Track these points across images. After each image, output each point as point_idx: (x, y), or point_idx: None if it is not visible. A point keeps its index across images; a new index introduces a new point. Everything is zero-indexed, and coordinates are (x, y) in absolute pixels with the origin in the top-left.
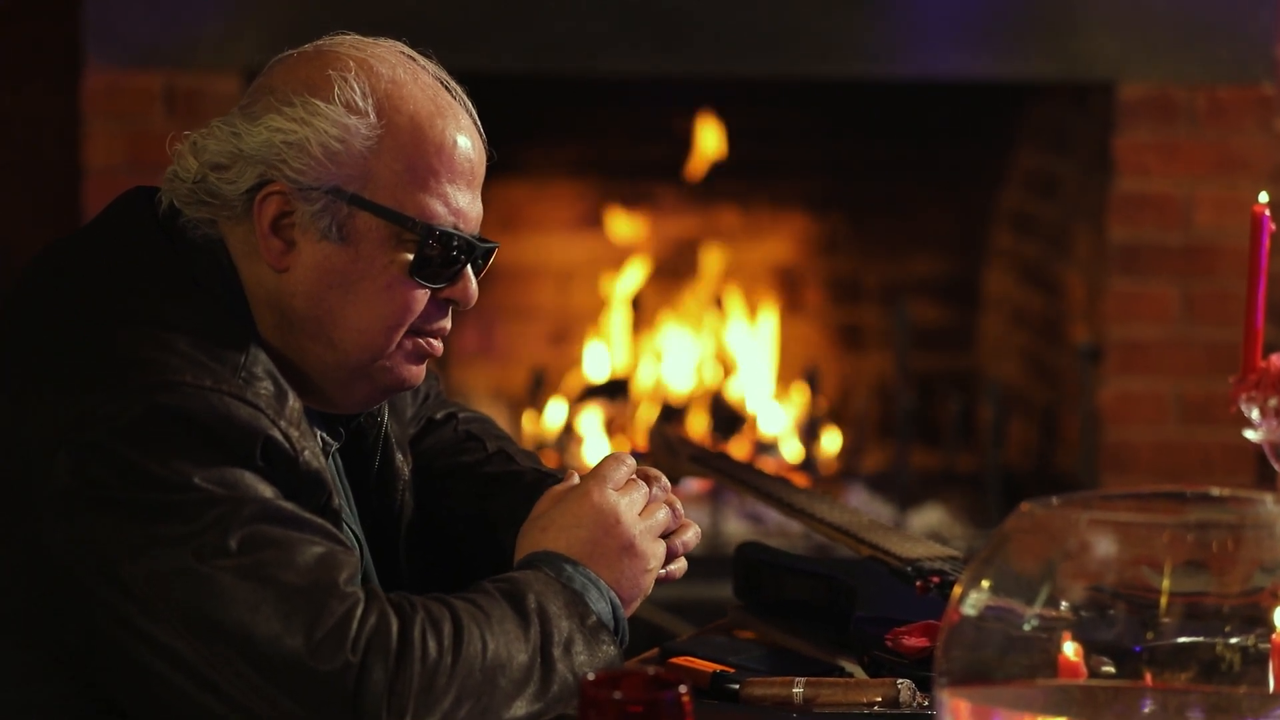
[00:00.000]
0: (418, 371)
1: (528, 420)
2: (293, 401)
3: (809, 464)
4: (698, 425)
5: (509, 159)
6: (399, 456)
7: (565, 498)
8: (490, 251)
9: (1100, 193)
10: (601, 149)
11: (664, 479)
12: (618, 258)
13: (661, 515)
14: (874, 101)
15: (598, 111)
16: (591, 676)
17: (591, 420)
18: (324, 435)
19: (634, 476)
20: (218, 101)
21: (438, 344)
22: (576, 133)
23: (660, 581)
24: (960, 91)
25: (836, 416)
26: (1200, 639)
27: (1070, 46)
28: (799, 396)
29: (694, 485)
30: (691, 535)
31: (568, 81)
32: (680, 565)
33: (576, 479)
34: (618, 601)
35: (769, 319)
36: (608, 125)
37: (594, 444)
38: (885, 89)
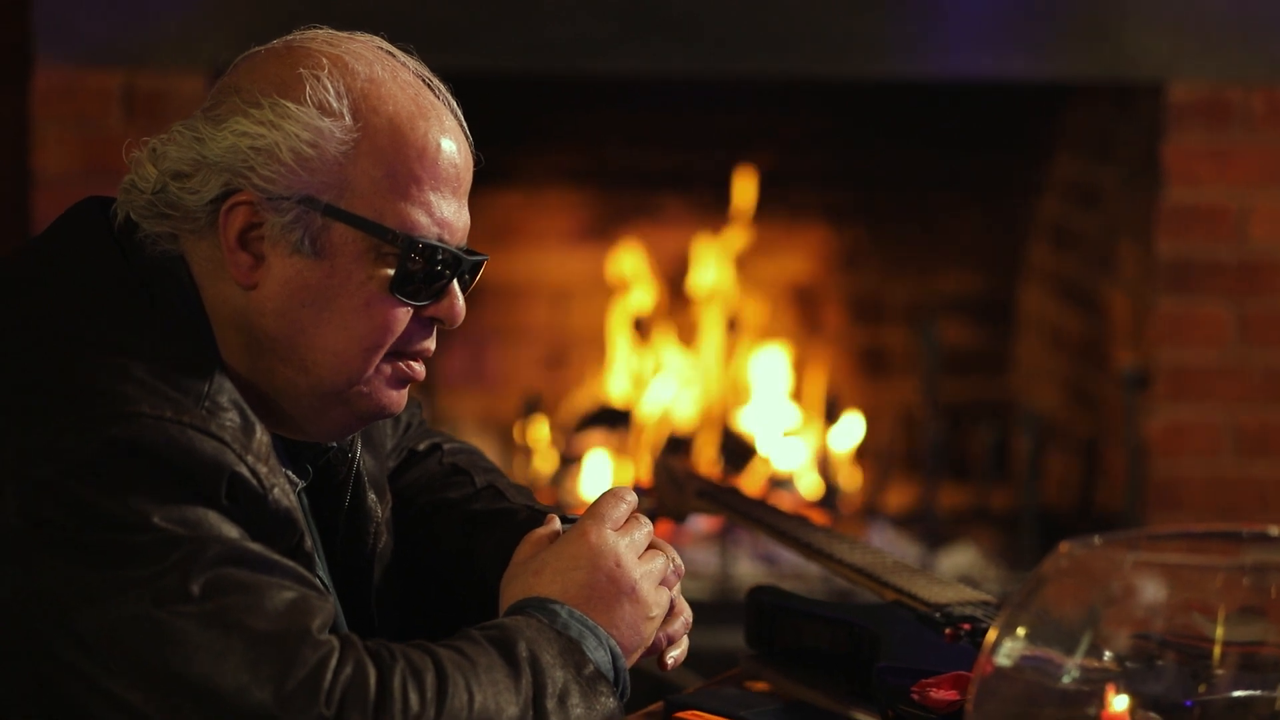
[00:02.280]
0: (398, 397)
1: (519, 452)
2: (260, 434)
3: (828, 500)
4: (706, 458)
5: (500, 165)
6: (371, 496)
7: (562, 538)
8: (478, 265)
9: (1147, 204)
10: (601, 155)
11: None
12: (619, 274)
13: (660, 563)
14: (899, 104)
15: (597, 115)
16: None
17: (590, 452)
18: (289, 473)
19: (637, 515)
20: (181, 103)
21: (420, 367)
22: (574, 138)
23: (661, 668)
24: (993, 93)
25: (858, 448)
26: (1257, 693)
27: (1114, 43)
28: (817, 426)
29: (702, 523)
30: (680, 626)
31: (564, 82)
32: (682, 650)
33: (558, 524)
34: (618, 650)
35: (784, 341)
36: (608, 129)
37: (592, 478)
38: (911, 90)
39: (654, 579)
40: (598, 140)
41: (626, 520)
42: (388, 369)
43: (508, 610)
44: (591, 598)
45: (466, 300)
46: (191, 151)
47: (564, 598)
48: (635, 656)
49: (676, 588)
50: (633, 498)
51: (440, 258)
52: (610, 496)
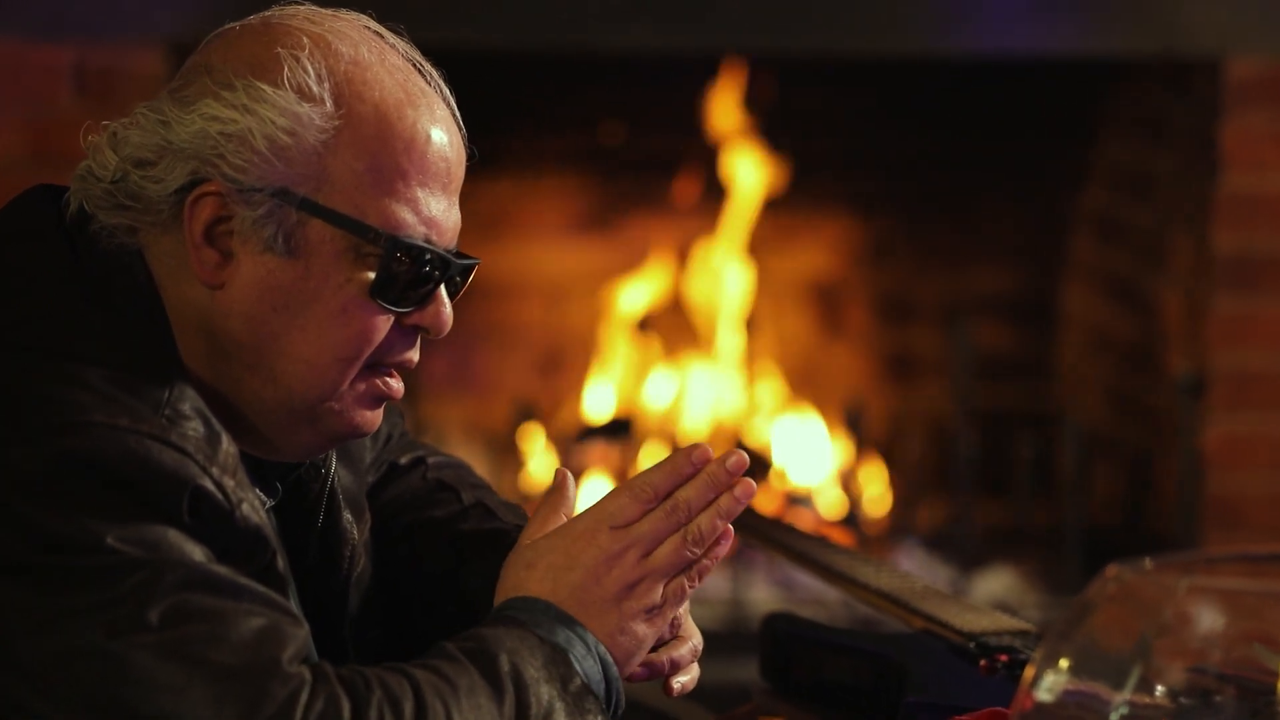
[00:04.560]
0: (372, 418)
1: (511, 466)
2: (226, 445)
3: (851, 519)
4: None
5: (492, 151)
6: (346, 516)
7: (561, 529)
8: (469, 270)
9: (1203, 192)
10: (602, 139)
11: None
12: (621, 269)
13: (667, 557)
14: (930, 83)
15: (597, 94)
16: None
17: (588, 466)
18: (257, 491)
19: (650, 508)
20: (139, 82)
21: (398, 385)
22: (571, 119)
23: (667, 693)
24: (1034, 71)
25: (885, 462)
26: None
27: (1167, 16)
28: (839, 437)
29: None
30: (688, 652)
31: (562, 59)
32: (691, 677)
33: (571, 485)
34: (609, 659)
35: (803, 344)
36: (609, 110)
37: (591, 495)
38: (943, 68)
39: (659, 576)
40: (597, 122)
41: (636, 517)
42: (362, 385)
43: (493, 612)
44: (584, 600)
45: (453, 304)
46: (156, 136)
47: (554, 598)
48: (633, 664)
49: (685, 605)
50: (646, 492)
51: (427, 260)
52: (620, 491)
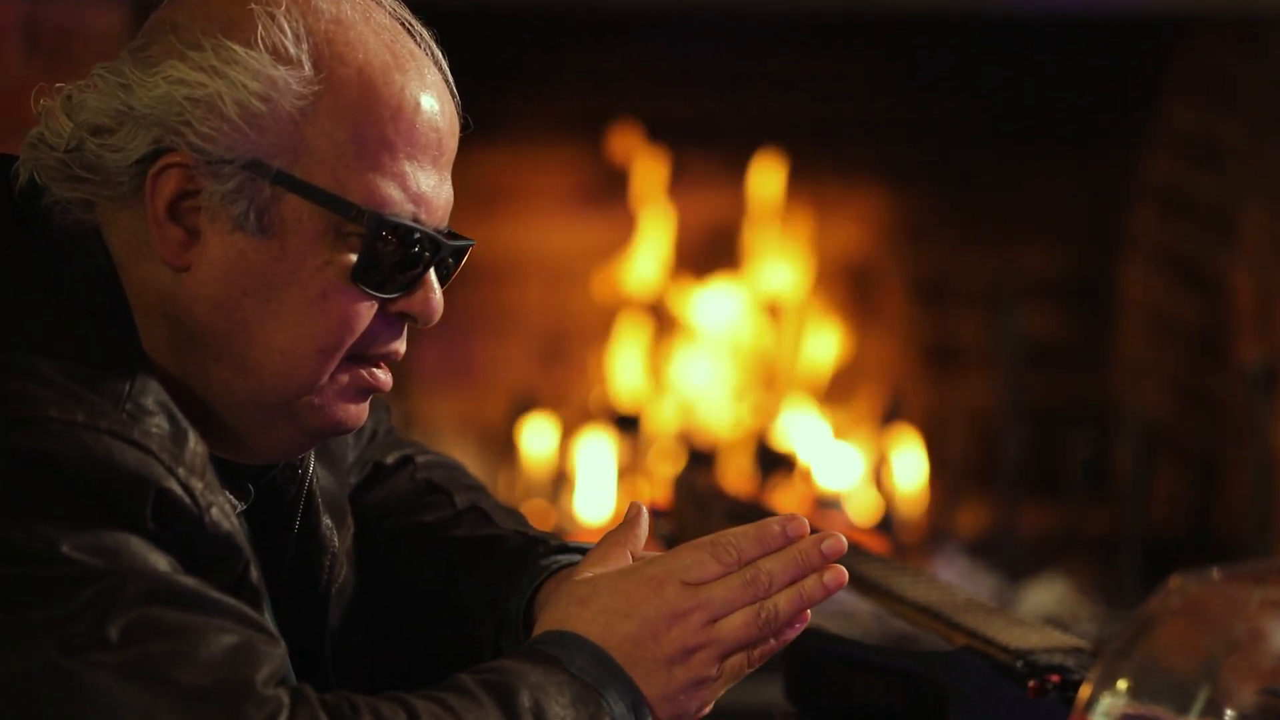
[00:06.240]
0: (357, 412)
1: (508, 465)
2: (194, 443)
3: (886, 524)
4: (737, 472)
5: (488, 118)
6: (326, 521)
7: (627, 570)
8: (462, 252)
9: (1276, 161)
10: (611, 102)
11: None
12: (630, 248)
13: (735, 630)
14: (972, 42)
15: (607, 54)
16: None
17: (594, 465)
18: (227, 494)
19: (728, 571)
20: (97, 41)
21: (385, 376)
22: (577, 81)
23: None
24: (1089, 28)
25: (923, 461)
26: None
27: None
28: (873, 434)
29: None
30: None
31: (569, 16)
32: None
33: (645, 521)
34: (644, 709)
35: (834, 330)
36: (620, 72)
37: (596, 497)
38: (988, 25)
39: (722, 648)
40: (607, 84)
41: (712, 577)
42: (345, 377)
43: (525, 645)
44: (635, 656)
45: (444, 288)
46: (115, 101)
47: (602, 643)
48: None
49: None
50: (731, 555)
51: (415, 240)
52: (700, 545)
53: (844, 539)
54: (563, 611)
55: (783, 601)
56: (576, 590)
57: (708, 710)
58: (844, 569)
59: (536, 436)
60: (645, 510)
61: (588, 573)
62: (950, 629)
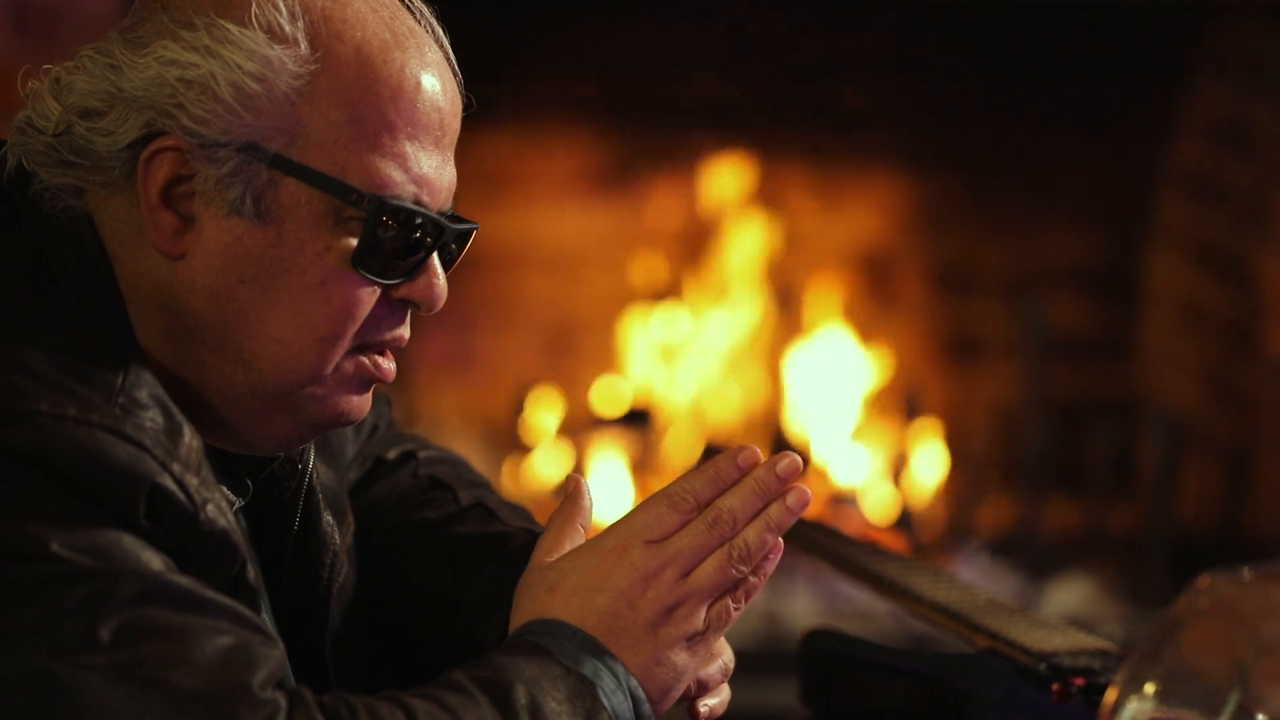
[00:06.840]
0: (360, 403)
1: (513, 458)
2: (189, 437)
3: (904, 521)
4: None
5: (492, 98)
6: (326, 518)
7: (587, 545)
8: (465, 236)
9: None
10: (618, 83)
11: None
12: (640, 236)
13: (712, 575)
14: (996, 24)
15: (613, 33)
16: None
17: (602, 461)
18: (224, 490)
19: (690, 519)
20: (86, 22)
21: (389, 365)
22: (584, 61)
23: (693, 717)
24: (1116, 9)
25: (943, 456)
26: None
27: None
28: (891, 428)
29: None
30: (718, 670)
31: None
32: (721, 699)
33: (586, 492)
34: (642, 696)
35: (850, 321)
36: (627, 52)
37: (606, 494)
38: (1012, 6)
39: (701, 598)
40: (614, 65)
41: (673, 530)
42: (348, 366)
43: (511, 636)
44: (616, 628)
45: (448, 275)
46: (105, 83)
47: (581, 624)
48: (670, 699)
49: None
50: (686, 501)
51: (417, 224)
52: (655, 500)
53: (798, 457)
54: (535, 603)
55: (751, 535)
56: (545, 577)
57: (712, 664)
58: (806, 488)
59: (542, 429)
60: (584, 481)
61: (547, 558)
62: (971, 630)
